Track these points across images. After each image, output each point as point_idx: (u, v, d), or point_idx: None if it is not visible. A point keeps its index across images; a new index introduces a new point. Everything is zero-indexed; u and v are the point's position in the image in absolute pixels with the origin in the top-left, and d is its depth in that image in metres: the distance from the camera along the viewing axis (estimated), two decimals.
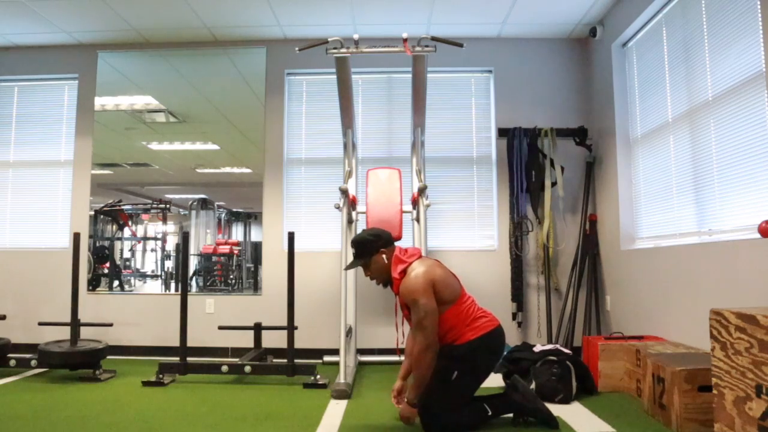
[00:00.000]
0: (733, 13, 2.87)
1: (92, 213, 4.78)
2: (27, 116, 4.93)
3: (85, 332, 4.49)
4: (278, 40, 4.80)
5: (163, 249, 4.85)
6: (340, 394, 3.16)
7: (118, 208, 4.83)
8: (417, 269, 2.51)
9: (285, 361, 3.69)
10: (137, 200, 4.84)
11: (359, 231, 3.15)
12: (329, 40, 3.52)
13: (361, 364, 4.22)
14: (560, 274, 4.54)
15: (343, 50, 3.57)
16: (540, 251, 4.51)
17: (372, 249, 2.62)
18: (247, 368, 3.53)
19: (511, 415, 2.64)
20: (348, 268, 2.71)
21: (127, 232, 4.86)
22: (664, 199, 3.63)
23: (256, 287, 4.68)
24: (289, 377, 3.60)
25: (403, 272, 2.54)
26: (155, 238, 4.86)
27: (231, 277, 4.75)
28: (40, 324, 4.18)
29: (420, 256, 2.62)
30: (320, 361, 4.31)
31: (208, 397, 3.20)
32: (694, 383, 2.44)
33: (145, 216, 4.86)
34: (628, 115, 4.16)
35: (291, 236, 3.53)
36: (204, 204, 4.84)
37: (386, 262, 2.61)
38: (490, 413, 2.56)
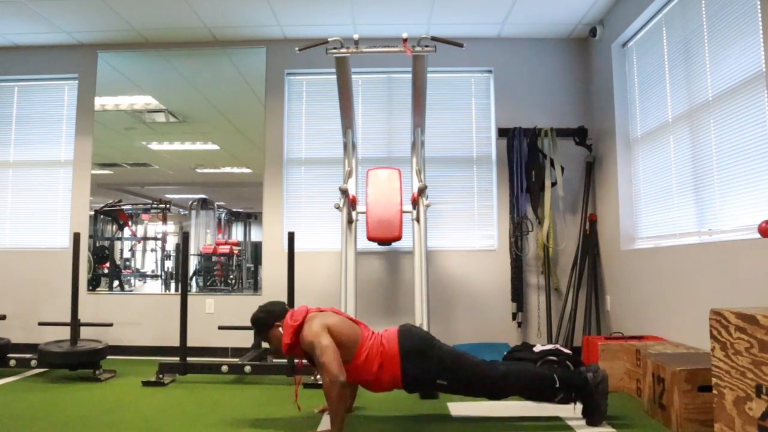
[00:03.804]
0: (733, 13, 2.87)
1: (92, 213, 4.78)
2: (27, 116, 4.93)
3: (85, 332, 4.49)
4: (278, 40, 4.80)
5: (163, 249, 4.85)
6: None
7: (118, 208, 4.83)
8: (310, 322, 2.54)
9: (285, 361, 3.68)
10: (137, 200, 4.84)
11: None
12: (329, 40, 3.52)
13: None
14: (560, 274, 4.54)
15: (343, 50, 3.57)
16: (540, 251, 4.51)
17: (266, 325, 2.66)
18: (247, 368, 3.53)
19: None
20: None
21: (127, 232, 4.86)
22: (664, 199, 3.63)
23: (256, 287, 4.68)
24: (289, 377, 3.60)
25: (293, 334, 2.54)
26: (155, 238, 4.86)
27: (231, 277, 4.75)
28: (40, 324, 4.18)
29: (308, 312, 2.62)
30: None
31: (208, 397, 3.20)
32: (694, 383, 2.44)
33: (145, 216, 4.86)
34: (628, 115, 4.16)
35: (291, 236, 3.53)
36: (204, 204, 4.84)
37: (281, 333, 2.62)
38: (557, 384, 2.56)
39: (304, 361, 2.71)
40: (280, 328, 2.61)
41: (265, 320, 2.66)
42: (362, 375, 2.55)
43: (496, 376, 2.55)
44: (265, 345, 4.27)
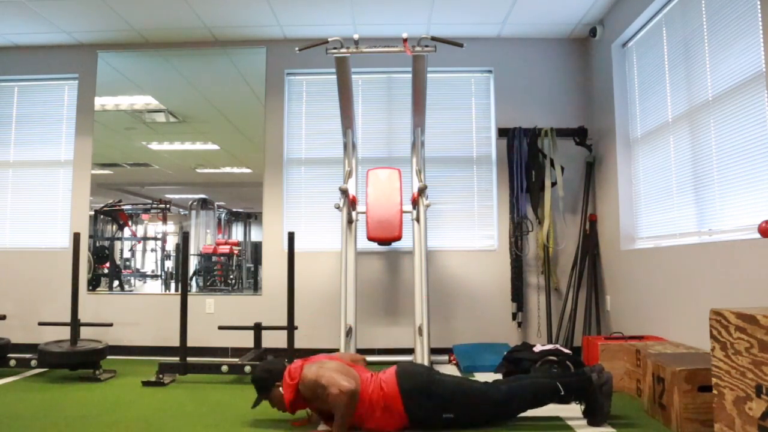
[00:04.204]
0: (733, 13, 2.87)
1: (92, 213, 4.78)
2: (27, 116, 4.93)
3: (85, 332, 4.49)
4: (278, 40, 4.80)
5: (163, 249, 4.85)
6: None
7: (118, 208, 4.83)
8: (307, 370, 2.53)
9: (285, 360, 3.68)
10: (137, 200, 4.84)
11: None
12: (329, 40, 3.52)
13: None
14: (560, 274, 4.54)
15: (343, 50, 3.57)
16: (540, 251, 4.51)
17: (267, 385, 2.66)
18: (247, 368, 3.53)
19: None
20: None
21: (127, 232, 4.86)
22: (664, 199, 3.63)
23: (256, 287, 4.68)
24: None
25: (294, 391, 2.54)
26: (155, 238, 4.86)
27: (231, 277, 4.75)
28: (40, 324, 4.18)
29: (303, 365, 2.61)
30: None
31: (208, 397, 3.20)
32: (694, 383, 2.44)
33: (145, 216, 4.86)
34: (628, 115, 4.16)
35: (291, 236, 3.53)
36: (204, 204, 4.84)
37: (282, 392, 2.62)
38: (562, 393, 2.56)
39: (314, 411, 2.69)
40: (280, 388, 2.62)
41: (266, 381, 2.66)
42: (366, 421, 2.53)
43: (500, 400, 2.54)
44: (265, 344, 4.27)
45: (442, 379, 2.58)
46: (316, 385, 2.45)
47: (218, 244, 4.80)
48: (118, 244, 4.85)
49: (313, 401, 2.54)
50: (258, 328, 4.16)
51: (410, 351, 4.28)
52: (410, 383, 2.54)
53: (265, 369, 2.69)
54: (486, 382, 2.62)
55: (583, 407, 2.65)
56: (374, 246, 4.42)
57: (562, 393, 2.56)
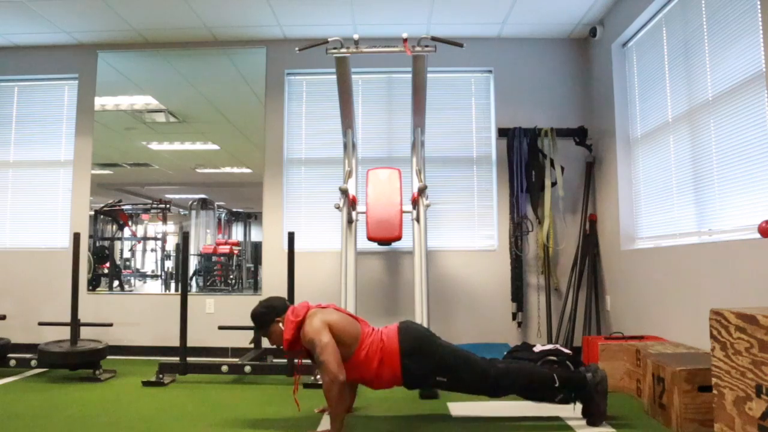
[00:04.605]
0: (733, 13, 2.87)
1: (92, 213, 4.78)
2: (27, 116, 4.93)
3: (85, 332, 4.49)
4: (278, 40, 4.80)
5: (163, 249, 4.85)
6: None
7: (118, 208, 4.83)
8: (311, 318, 2.53)
9: (285, 361, 3.69)
10: (137, 200, 4.84)
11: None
12: (329, 40, 3.52)
13: None
14: (560, 274, 4.54)
15: (343, 50, 3.57)
16: (540, 251, 4.51)
17: (267, 320, 2.66)
18: (247, 368, 3.53)
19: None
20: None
21: (127, 232, 4.86)
22: (664, 199, 3.63)
23: (256, 287, 4.68)
24: (289, 377, 3.61)
25: (294, 329, 2.55)
26: (155, 238, 4.86)
27: (231, 277, 4.75)
28: (40, 324, 4.18)
29: (309, 308, 2.62)
30: None
31: (208, 397, 3.20)
32: (694, 383, 2.44)
33: (145, 216, 4.86)
34: (628, 115, 4.16)
35: (291, 236, 3.53)
36: (204, 204, 4.84)
37: (282, 329, 2.62)
38: (557, 384, 2.56)
39: (304, 360, 2.70)
40: (281, 324, 2.62)
41: (266, 315, 2.66)
42: (362, 372, 2.55)
43: (495, 374, 2.56)
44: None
45: (442, 343, 2.62)
46: (312, 346, 2.46)
47: (218, 244, 4.80)
48: (118, 244, 4.86)
49: (307, 350, 2.55)
50: None
51: None
52: (411, 340, 2.57)
53: (267, 304, 2.69)
54: (485, 358, 2.64)
55: (580, 407, 2.65)
56: (374, 246, 4.42)
57: (557, 384, 2.56)
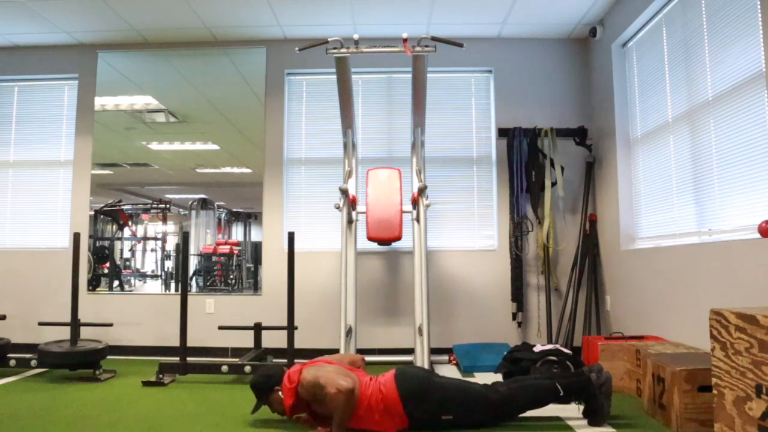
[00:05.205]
0: (733, 13, 2.87)
1: (92, 213, 4.78)
2: (27, 116, 4.93)
3: (85, 332, 4.49)
4: (278, 40, 4.80)
5: (163, 249, 4.85)
6: None
7: (118, 208, 4.83)
8: (305, 374, 2.53)
9: (285, 361, 3.68)
10: (137, 200, 4.84)
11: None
12: (329, 40, 3.52)
13: None
14: (560, 274, 4.54)
15: (343, 50, 3.57)
16: (540, 251, 4.51)
17: (266, 390, 2.66)
18: (247, 368, 3.53)
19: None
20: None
21: (127, 232, 4.86)
22: (664, 199, 3.63)
23: (256, 287, 4.68)
24: None
25: (294, 394, 2.55)
26: (155, 238, 4.86)
27: (231, 277, 4.75)
28: (40, 324, 4.18)
29: (302, 369, 2.61)
30: None
31: (208, 397, 3.20)
32: (694, 383, 2.44)
33: (145, 216, 4.86)
34: (628, 115, 4.16)
35: (291, 236, 3.53)
36: (204, 204, 4.84)
37: (282, 396, 2.63)
38: (561, 393, 2.56)
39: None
40: (280, 393, 2.63)
41: (265, 385, 2.67)
42: (367, 423, 2.54)
43: (499, 400, 2.54)
44: (265, 345, 4.27)
45: (440, 381, 2.59)
46: (314, 386, 2.46)
47: (218, 244, 4.80)
48: (118, 244, 4.86)
49: (312, 403, 2.55)
50: (258, 328, 4.16)
51: (410, 351, 4.28)
52: (408, 386, 2.54)
53: (264, 374, 2.70)
54: (485, 384, 2.63)
55: (583, 407, 2.65)
56: (374, 246, 4.42)
57: (561, 394, 2.56)
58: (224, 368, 3.53)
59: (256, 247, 4.72)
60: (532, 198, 4.49)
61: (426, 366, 3.32)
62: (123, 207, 4.84)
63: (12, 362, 3.72)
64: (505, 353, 3.47)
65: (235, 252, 4.77)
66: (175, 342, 4.51)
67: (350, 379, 2.47)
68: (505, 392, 2.57)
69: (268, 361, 4.03)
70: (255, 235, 4.76)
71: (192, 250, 4.79)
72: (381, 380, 2.60)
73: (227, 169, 4.82)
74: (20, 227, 4.84)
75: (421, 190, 3.75)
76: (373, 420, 2.53)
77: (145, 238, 4.86)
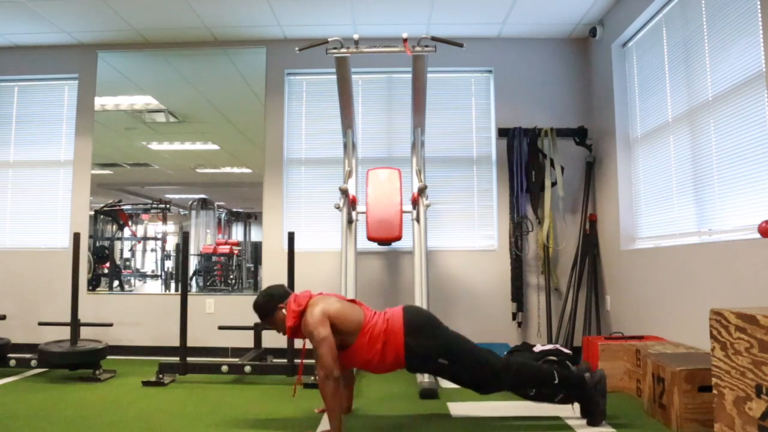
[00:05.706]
0: (733, 13, 2.87)
1: (92, 213, 4.78)
2: (27, 116, 4.93)
3: (85, 332, 4.49)
4: (278, 40, 4.80)
5: (163, 249, 4.85)
6: None
7: (118, 208, 4.84)
8: (312, 308, 2.55)
9: (285, 361, 3.69)
10: (137, 200, 4.84)
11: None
12: (329, 40, 3.52)
13: None
14: (560, 274, 4.54)
15: (343, 50, 3.57)
16: (540, 251, 4.51)
17: (269, 309, 2.66)
18: (247, 368, 3.53)
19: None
20: (259, 328, 2.76)
21: (127, 232, 4.86)
22: (664, 199, 3.63)
23: (256, 287, 4.68)
24: (289, 377, 3.61)
25: (297, 318, 2.57)
26: (155, 238, 4.86)
27: (231, 277, 4.75)
28: (40, 324, 4.18)
29: (311, 297, 2.63)
30: None
31: (208, 397, 3.20)
32: (694, 383, 2.44)
33: (145, 216, 4.86)
34: (628, 115, 4.16)
35: (291, 236, 3.53)
36: (204, 204, 4.84)
37: (285, 315, 2.63)
38: (556, 381, 2.57)
39: (308, 346, 2.68)
40: (284, 310, 2.63)
41: (268, 303, 2.66)
42: (365, 354, 2.55)
43: (497, 366, 2.56)
44: (264, 344, 4.27)
45: (447, 328, 2.65)
46: (311, 336, 2.48)
47: (218, 244, 4.80)
48: (118, 244, 4.86)
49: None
50: (258, 328, 4.17)
51: None
52: (416, 319, 2.59)
53: (267, 293, 2.69)
54: (488, 349, 2.66)
55: (579, 408, 2.65)
56: (374, 246, 4.42)
57: (556, 381, 2.57)
58: (224, 368, 3.53)
59: (256, 247, 4.73)
60: (532, 198, 4.50)
61: None
62: (123, 207, 4.84)
63: (12, 362, 3.72)
64: (505, 353, 3.47)
65: (235, 252, 4.78)
66: (175, 342, 4.51)
67: (354, 319, 2.52)
68: (505, 361, 2.61)
69: (268, 361, 4.03)
70: (255, 235, 4.76)
71: (192, 250, 4.79)
72: (388, 312, 2.65)
73: (227, 169, 4.82)
74: (20, 227, 4.84)
75: (421, 190, 3.75)
76: (373, 350, 2.54)
77: (145, 238, 4.86)
